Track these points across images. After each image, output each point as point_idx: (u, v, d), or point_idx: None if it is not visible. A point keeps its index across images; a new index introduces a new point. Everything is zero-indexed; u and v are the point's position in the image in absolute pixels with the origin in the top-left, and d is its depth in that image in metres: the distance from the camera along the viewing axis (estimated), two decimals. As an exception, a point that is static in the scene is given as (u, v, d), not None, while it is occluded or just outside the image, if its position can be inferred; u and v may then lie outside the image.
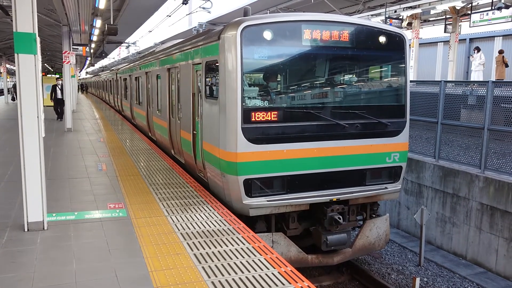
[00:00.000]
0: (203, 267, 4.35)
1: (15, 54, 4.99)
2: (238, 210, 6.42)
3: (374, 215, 7.68)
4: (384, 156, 7.11)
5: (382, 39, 6.97)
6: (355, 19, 7.19)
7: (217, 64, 6.56)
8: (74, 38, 17.95)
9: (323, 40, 6.56)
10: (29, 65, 5.04)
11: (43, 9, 14.56)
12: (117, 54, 53.27)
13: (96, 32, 17.21)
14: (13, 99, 31.67)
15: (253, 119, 6.17)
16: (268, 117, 6.25)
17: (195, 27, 23.63)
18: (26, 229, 5.27)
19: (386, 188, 7.23)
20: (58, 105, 18.23)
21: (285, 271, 4.30)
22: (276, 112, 6.29)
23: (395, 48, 7.17)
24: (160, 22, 24.27)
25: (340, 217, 6.64)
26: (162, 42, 26.23)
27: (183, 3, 18.72)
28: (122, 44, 38.64)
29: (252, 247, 4.90)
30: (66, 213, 5.99)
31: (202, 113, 7.35)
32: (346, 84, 7.27)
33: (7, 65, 34.20)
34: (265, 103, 6.39)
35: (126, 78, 18.86)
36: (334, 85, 7.13)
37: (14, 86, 31.98)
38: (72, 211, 6.07)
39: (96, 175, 8.18)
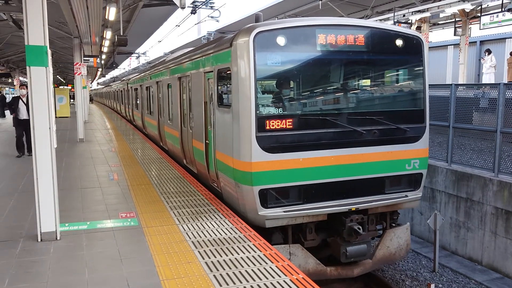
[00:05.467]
0: (214, 276, 4.34)
1: (27, 67, 5.08)
2: (254, 221, 6.24)
3: (393, 224, 7.42)
4: (403, 163, 6.87)
5: (399, 42, 6.77)
6: (370, 22, 7.03)
7: (229, 72, 6.43)
8: (85, 50, 18.23)
9: (338, 44, 6.36)
10: (40, 77, 5.12)
11: (54, 22, 14.81)
12: (127, 64, 53.93)
13: (107, 43, 17.43)
14: (3, 115, 25.30)
15: (267, 127, 6.01)
16: (283, 125, 6.07)
17: (204, 36, 23.85)
18: (39, 239, 5.32)
19: (406, 196, 6.97)
20: (22, 130, 11.60)
21: (297, 279, 4.27)
22: (291, 120, 6.13)
23: (412, 51, 6.97)
24: (169, 32, 24.53)
25: (360, 227, 6.40)
26: (172, 52, 26.49)
27: (191, 13, 18.93)
28: (132, 55, 39.16)
29: (264, 254, 4.88)
30: (78, 223, 6.04)
31: (214, 122, 7.21)
32: (362, 89, 7.05)
33: (20, 78, 34.79)
34: (279, 110, 6.20)
35: (137, 88, 18.92)
36: (350, 90, 6.90)
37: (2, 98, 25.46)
38: (84, 221, 6.12)
39: (108, 185, 8.24)
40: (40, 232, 5.33)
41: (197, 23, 25.99)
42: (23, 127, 11.46)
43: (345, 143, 6.42)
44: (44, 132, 5.18)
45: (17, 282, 4.27)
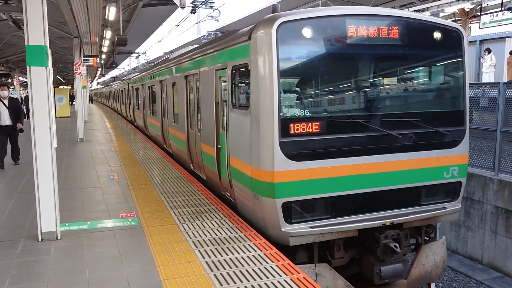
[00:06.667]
0: (215, 275, 4.34)
1: (27, 67, 5.08)
2: (276, 239, 5.52)
3: (427, 238, 6.68)
4: (441, 170, 6.17)
5: (436, 34, 6.05)
6: (405, 12, 6.37)
7: (247, 68, 5.72)
8: (85, 50, 18.24)
9: (370, 37, 5.64)
10: (41, 77, 5.12)
11: (54, 22, 14.82)
12: (127, 64, 53.95)
13: (106, 43, 17.43)
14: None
15: (292, 132, 5.29)
16: (309, 128, 5.36)
17: (204, 35, 23.85)
18: (40, 239, 5.33)
19: (444, 208, 6.27)
20: (5, 137, 10.32)
21: (297, 278, 4.27)
22: (318, 123, 5.42)
23: (451, 45, 6.23)
24: (169, 31, 24.55)
25: (397, 245, 5.69)
26: (172, 51, 26.50)
27: (191, 13, 18.93)
28: (132, 55, 39.16)
29: (264, 254, 4.89)
30: (79, 222, 6.05)
31: (228, 125, 6.51)
32: (397, 88, 6.32)
33: (20, 78, 34.79)
34: (305, 112, 5.45)
35: (138, 88, 18.57)
36: (384, 89, 6.19)
37: (26, 99, 23.68)
38: (84, 221, 6.12)
39: (108, 185, 8.25)
40: (41, 232, 5.33)
41: (197, 23, 25.98)
42: (5, 134, 10.18)
43: (378, 149, 5.73)
44: (44, 132, 5.18)
45: (18, 282, 4.28)
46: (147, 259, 4.78)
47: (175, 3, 9.80)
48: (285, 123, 5.27)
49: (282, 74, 5.26)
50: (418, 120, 5.97)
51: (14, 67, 30.74)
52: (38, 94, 5.12)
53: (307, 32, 5.33)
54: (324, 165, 5.45)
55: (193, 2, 19.13)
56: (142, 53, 40.36)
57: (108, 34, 14.86)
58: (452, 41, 6.23)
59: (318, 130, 5.42)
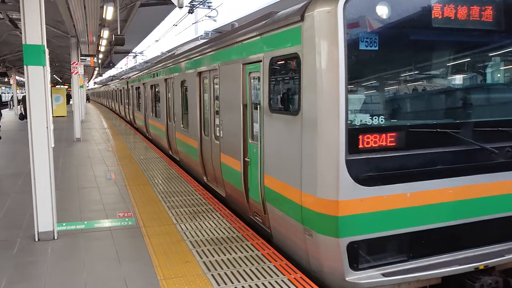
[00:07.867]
0: (212, 275, 4.34)
1: (24, 66, 5.08)
2: None
3: None
4: None
5: None
6: None
7: (296, 60, 4.43)
8: (82, 49, 18.21)
9: (460, 20, 4.33)
10: (38, 76, 5.12)
11: (51, 21, 14.78)
12: (124, 64, 53.90)
13: (104, 42, 17.40)
14: (21, 117, 23.02)
15: (361, 146, 4.00)
16: (382, 141, 4.07)
17: (201, 35, 23.89)
18: (36, 239, 5.32)
19: None
20: None
21: (294, 278, 4.28)
22: (395, 134, 4.12)
23: None
24: (166, 31, 24.51)
25: None
26: (169, 51, 26.48)
27: (189, 12, 18.92)
28: (130, 54, 39.14)
29: (262, 254, 4.89)
30: (76, 222, 6.03)
31: (263, 134, 5.25)
32: (494, 88, 5.03)
33: (17, 77, 34.70)
34: (379, 119, 4.11)
35: (139, 87, 17.71)
36: (478, 90, 4.90)
37: (24, 99, 22.86)
38: (82, 221, 6.11)
39: (105, 185, 8.23)
40: (38, 231, 5.32)
41: (195, 23, 25.96)
42: None
43: (469, 168, 4.44)
44: (41, 132, 5.17)
45: (15, 283, 4.26)
46: (144, 259, 4.78)
47: (173, 3, 9.78)
48: (353, 135, 3.98)
49: (351, 68, 3.94)
50: None
51: (11, 66, 30.68)
52: (35, 94, 5.11)
53: (382, 10, 4.01)
54: (401, 191, 4.16)
55: (191, 2, 19.11)
56: (140, 53, 40.33)
57: (105, 33, 14.86)
58: None
59: (394, 144, 4.13)
